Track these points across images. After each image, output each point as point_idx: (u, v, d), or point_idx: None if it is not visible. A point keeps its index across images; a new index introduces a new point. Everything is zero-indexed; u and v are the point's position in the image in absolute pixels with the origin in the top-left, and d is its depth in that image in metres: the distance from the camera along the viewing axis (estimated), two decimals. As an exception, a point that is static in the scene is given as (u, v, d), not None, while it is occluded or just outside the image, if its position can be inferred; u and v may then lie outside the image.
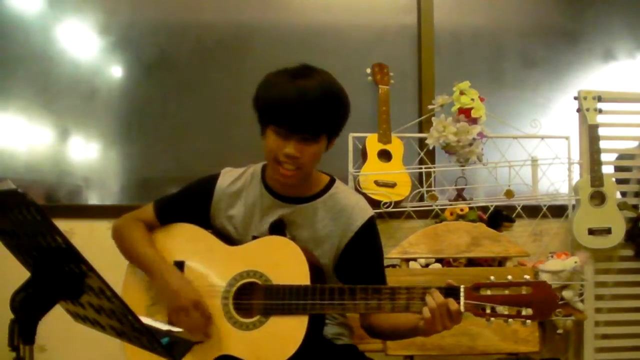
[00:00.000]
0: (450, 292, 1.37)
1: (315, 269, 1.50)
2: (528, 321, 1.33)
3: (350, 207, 1.58)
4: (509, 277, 1.35)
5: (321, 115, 1.42)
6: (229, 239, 1.62)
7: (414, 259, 2.21)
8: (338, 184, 1.64)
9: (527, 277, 1.35)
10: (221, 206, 1.63)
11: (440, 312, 1.35)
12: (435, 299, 1.36)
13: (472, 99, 2.46)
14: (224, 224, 1.63)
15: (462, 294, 1.36)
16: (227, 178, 1.65)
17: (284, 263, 1.49)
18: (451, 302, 1.35)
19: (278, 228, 1.58)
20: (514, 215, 2.55)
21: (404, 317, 1.46)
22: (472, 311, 1.34)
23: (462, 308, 1.35)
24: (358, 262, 1.57)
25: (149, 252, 1.59)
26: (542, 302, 1.32)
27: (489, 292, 1.35)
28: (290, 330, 1.42)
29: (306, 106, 1.40)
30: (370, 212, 1.60)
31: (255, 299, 1.49)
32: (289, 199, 1.58)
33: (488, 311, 1.34)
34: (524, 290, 1.33)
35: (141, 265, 1.60)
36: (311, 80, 1.43)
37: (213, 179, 1.66)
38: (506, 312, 1.33)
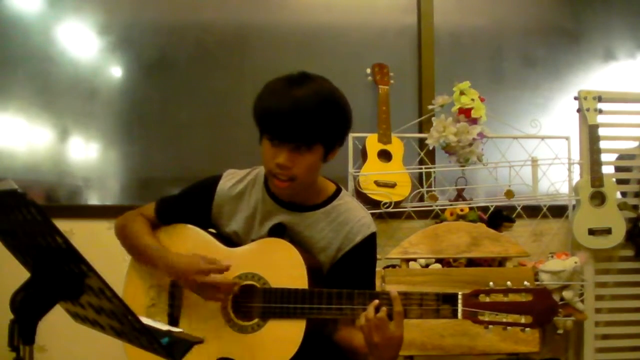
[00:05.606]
0: (448, 298, 1.35)
1: (314, 271, 1.49)
2: (527, 329, 1.31)
3: (353, 222, 1.55)
4: (509, 283, 1.34)
5: (314, 123, 1.39)
6: (229, 241, 1.62)
7: (414, 259, 2.21)
8: (343, 194, 1.61)
9: (526, 283, 1.33)
10: (222, 209, 1.63)
11: (374, 322, 1.35)
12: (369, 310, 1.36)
13: (472, 99, 2.46)
14: (225, 227, 1.63)
15: (459, 300, 1.34)
16: (229, 180, 1.64)
17: (282, 266, 1.48)
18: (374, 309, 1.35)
19: (277, 232, 1.57)
20: (514, 215, 2.55)
21: (357, 339, 1.45)
22: (470, 318, 1.32)
23: (459, 315, 1.33)
24: (350, 274, 1.53)
25: (150, 242, 1.58)
26: (542, 309, 1.30)
27: (487, 299, 1.32)
28: (289, 333, 1.42)
29: (297, 114, 1.37)
30: (373, 228, 1.56)
31: (253, 301, 1.49)
32: (291, 206, 1.57)
33: (486, 318, 1.32)
34: (523, 297, 1.31)
35: (144, 255, 1.59)
36: (306, 88, 1.40)
37: (215, 180, 1.65)
38: (504, 320, 1.31)
